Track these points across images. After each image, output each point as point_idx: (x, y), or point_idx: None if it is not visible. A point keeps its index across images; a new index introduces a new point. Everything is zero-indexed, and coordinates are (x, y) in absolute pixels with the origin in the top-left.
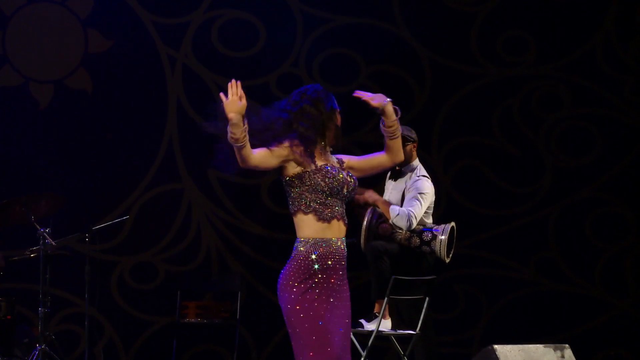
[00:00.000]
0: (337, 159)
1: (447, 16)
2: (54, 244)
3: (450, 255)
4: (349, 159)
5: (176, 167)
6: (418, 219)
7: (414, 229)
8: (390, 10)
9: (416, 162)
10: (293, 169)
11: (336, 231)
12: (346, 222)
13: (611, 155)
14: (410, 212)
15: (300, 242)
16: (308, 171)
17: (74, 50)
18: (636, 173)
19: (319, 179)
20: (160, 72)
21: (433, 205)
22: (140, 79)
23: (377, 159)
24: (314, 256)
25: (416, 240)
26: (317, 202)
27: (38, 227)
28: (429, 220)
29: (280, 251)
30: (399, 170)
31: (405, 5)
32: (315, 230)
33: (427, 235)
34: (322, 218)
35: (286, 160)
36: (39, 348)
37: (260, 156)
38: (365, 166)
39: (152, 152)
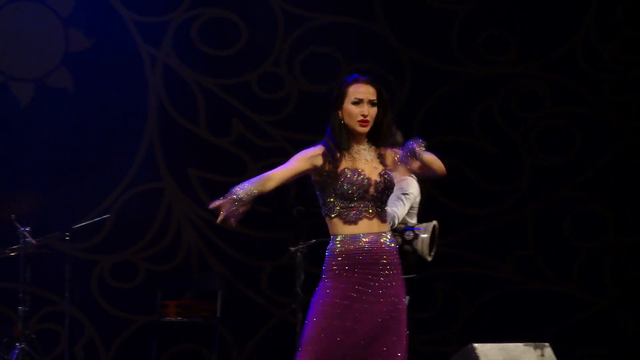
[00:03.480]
0: (378, 154)
1: (428, 15)
2: (34, 242)
3: (433, 254)
4: (396, 159)
5: (157, 166)
6: (401, 219)
7: (396, 228)
8: (371, 9)
9: None
10: (317, 175)
11: (366, 228)
12: (384, 219)
13: (590, 154)
14: (394, 212)
15: (331, 240)
16: (330, 177)
17: (55, 49)
18: (615, 172)
19: (339, 185)
20: (141, 71)
21: (418, 205)
22: (121, 78)
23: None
24: (339, 250)
25: (398, 240)
26: (340, 207)
27: (18, 225)
28: (413, 220)
29: (261, 250)
30: None
31: (386, 4)
32: (343, 229)
33: (409, 235)
34: (348, 221)
35: (312, 166)
36: (18, 347)
37: (280, 175)
38: (405, 172)
39: (132, 151)
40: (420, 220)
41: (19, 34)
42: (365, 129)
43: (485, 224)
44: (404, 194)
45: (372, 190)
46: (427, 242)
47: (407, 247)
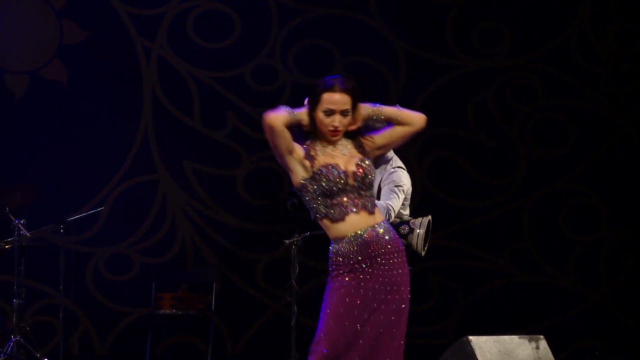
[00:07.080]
0: (355, 144)
1: (422, 7)
2: (28, 235)
3: (426, 249)
4: (372, 140)
5: (151, 158)
6: (396, 212)
7: (392, 222)
8: (365, 1)
9: (391, 154)
10: (297, 178)
11: (355, 224)
12: (370, 210)
13: (585, 147)
14: (389, 205)
15: (331, 244)
16: (308, 178)
17: (49, 41)
18: (610, 164)
19: (318, 184)
20: (135, 63)
21: (410, 197)
22: (115, 70)
23: (397, 131)
24: (341, 254)
25: None
26: (325, 206)
27: (13, 218)
28: (406, 212)
29: (255, 242)
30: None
31: None
32: (334, 230)
33: (404, 229)
34: (334, 219)
35: (297, 159)
36: (13, 340)
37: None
38: (386, 141)
39: (127, 143)
40: (413, 212)
41: (13, 26)
42: (337, 138)
43: (481, 217)
44: (397, 186)
45: (351, 180)
46: (422, 237)
47: (401, 241)
